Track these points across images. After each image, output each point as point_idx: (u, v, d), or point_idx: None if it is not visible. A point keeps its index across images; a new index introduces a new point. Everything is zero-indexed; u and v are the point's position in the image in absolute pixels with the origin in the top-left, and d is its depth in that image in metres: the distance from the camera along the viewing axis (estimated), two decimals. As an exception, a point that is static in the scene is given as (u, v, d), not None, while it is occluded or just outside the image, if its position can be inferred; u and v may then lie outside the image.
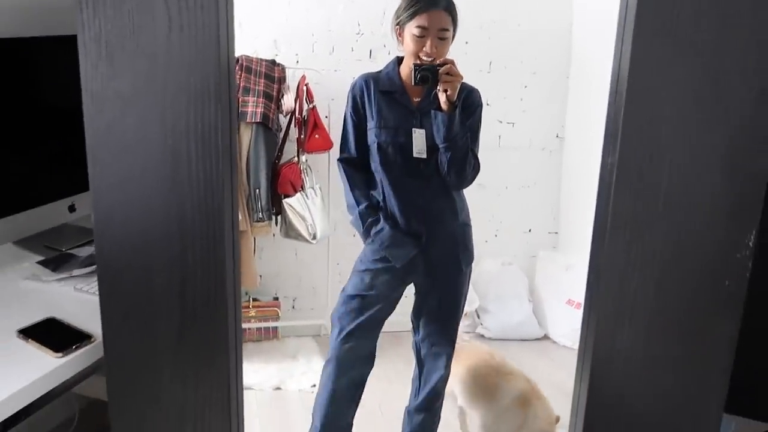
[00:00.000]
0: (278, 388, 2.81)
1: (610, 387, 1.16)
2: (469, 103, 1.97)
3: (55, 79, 1.65)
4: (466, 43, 3.12)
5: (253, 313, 3.13)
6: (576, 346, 1.44)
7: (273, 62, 2.83)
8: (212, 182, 1.05)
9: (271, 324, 3.18)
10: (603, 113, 1.10)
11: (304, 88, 2.81)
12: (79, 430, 1.83)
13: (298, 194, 2.82)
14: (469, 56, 3.15)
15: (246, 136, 2.74)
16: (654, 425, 1.18)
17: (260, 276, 3.16)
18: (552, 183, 3.50)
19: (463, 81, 1.89)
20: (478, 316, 3.37)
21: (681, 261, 1.09)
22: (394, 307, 2.12)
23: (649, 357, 1.14)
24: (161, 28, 0.98)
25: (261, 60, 2.80)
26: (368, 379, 2.11)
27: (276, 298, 3.24)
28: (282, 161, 2.88)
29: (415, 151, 1.96)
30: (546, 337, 3.34)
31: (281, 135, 2.91)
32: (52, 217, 1.71)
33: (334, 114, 3.00)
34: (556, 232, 3.57)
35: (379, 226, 2.01)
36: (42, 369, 1.17)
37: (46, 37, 1.59)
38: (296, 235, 2.84)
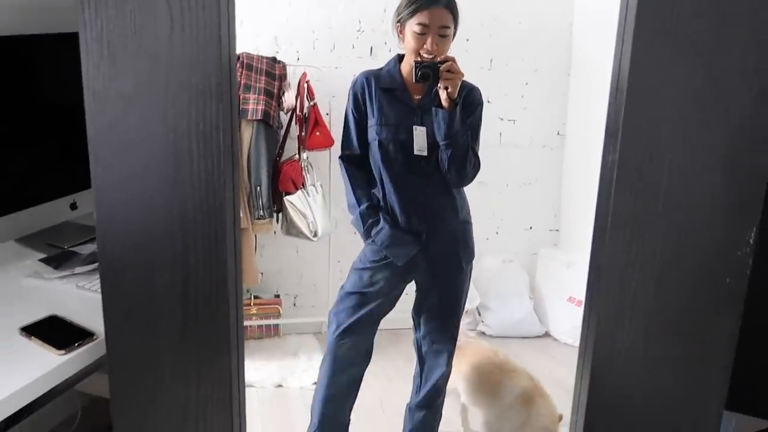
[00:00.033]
0: (280, 386, 2.82)
1: (610, 385, 1.16)
2: (469, 101, 1.97)
3: (56, 76, 1.66)
4: (467, 40, 3.12)
5: (254, 310, 3.14)
6: (577, 343, 1.45)
7: (274, 59, 2.83)
8: (214, 181, 1.05)
9: (272, 321, 3.19)
10: (604, 111, 1.10)
11: (305, 85, 2.81)
12: (82, 428, 1.84)
13: (299, 192, 2.83)
14: (470, 53, 3.14)
15: (247, 133, 2.74)
16: (655, 423, 1.19)
17: (261, 273, 3.17)
18: (553, 180, 3.50)
19: (464, 79, 1.89)
20: (479, 314, 3.37)
21: (681, 259, 1.10)
22: (394, 305, 2.12)
23: (650, 355, 1.14)
24: (163, 28, 0.99)
25: (262, 57, 2.80)
26: (368, 376, 2.11)
27: (277, 296, 3.25)
28: (283, 159, 2.88)
29: (416, 148, 1.96)
30: (547, 335, 3.35)
31: (282, 132, 2.91)
32: (53, 214, 1.72)
33: (335, 111, 3.00)
34: (557, 230, 3.57)
35: (379, 226, 2.02)
36: (45, 366, 1.17)
37: (47, 35, 1.59)
38: (297, 233, 2.84)
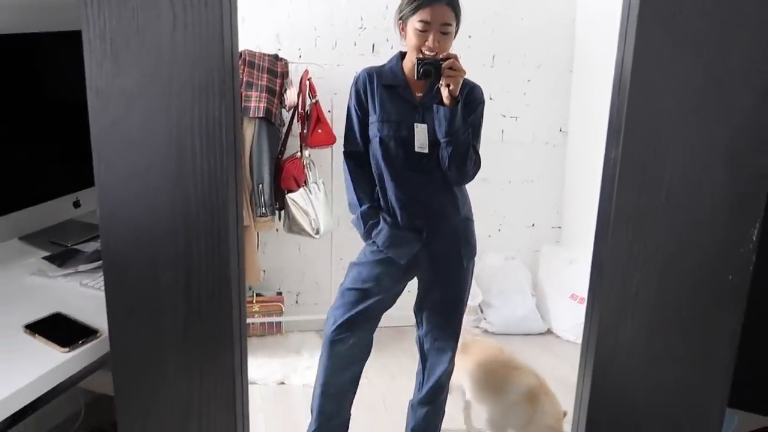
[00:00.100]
0: (282, 383, 2.83)
1: (613, 382, 1.16)
2: (471, 99, 1.97)
3: (60, 75, 1.66)
4: (470, 37, 3.11)
5: (256, 308, 3.14)
6: (579, 340, 1.45)
7: (276, 57, 2.83)
8: (217, 177, 1.05)
9: (274, 319, 3.19)
10: (606, 108, 1.10)
11: (307, 82, 2.81)
12: (85, 425, 1.84)
13: (301, 189, 2.83)
14: (472, 50, 3.14)
15: (249, 131, 2.74)
16: (657, 419, 1.19)
17: (264, 271, 3.17)
18: (555, 177, 3.50)
19: (466, 77, 1.89)
20: (482, 311, 3.37)
21: (684, 255, 1.10)
22: (394, 301, 2.12)
23: (652, 352, 1.14)
24: (166, 25, 0.99)
25: (264, 55, 2.80)
26: (371, 373, 2.12)
27: (279, 293, 3.25)
28: (285, 156, 2.89)
29: (417, 145, 1.96)
30: (549, 332, 3.35)
31: (284, 130, 2.91)
32: (57, 212, 1.72)
33: (337, 108, 3.00)
34: (560, 227, 3.57)
35: (379, 228, 2.02)
36: (49, 364, 1.18)
37: (49, 33, 1.59)
38: (299, 230, 2.84)
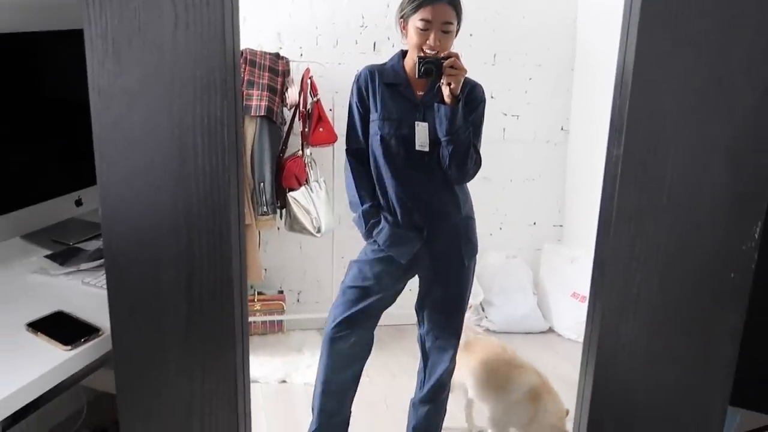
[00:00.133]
0: (284, 381, 2.83)
1: (615, 380, 1.16)
2: (472, 98, 1.97)
3: (62, 74, 1.66)
4: (471, 35, 3.11)
5: (258, 306, 3.15)
6: (581, 338, 1.45)
7: (277, 55, 2.83)
8: (219, 176, 1.05)
9: (276, 317, 3.19)
10: (608, 106, 1.10)
11: (308, 81, 2.81)
12: (87, 424, 1.85)
13: (303, 188, 2.83)
14: (473, 48, 3.14)
15: (250, 129, 2.74)
16: (659, 418, 1.19)
17: (265, 269, 3.17)
18: (557, 176, 3.50)
19: (467, 75, 1.89)
20: (483, 310, 3.38)
21: (686, 254, 1.10)
22: (395, 299, 2.12)
23: (654, 350, 1.14)
24: (167, 24, 0.99)
25: (265, 53, 2.80)
26: (372, 372, 2.12)
27: (281, 292, 3.25)
28: (286, 155, 2.89)
29: (418, 144, 1.96)
30: (551, 330, 3.35)
31: (285, 128, 2.91)
32: (58, 211, 1.72)
33: (338, 107, 3.00)
34: (561, 225, 3.57)
35: (380, 227, 2.02)
36: (51, 362, 1.18)
37: (51, 32, 1.59)
38: (301, 229, 2.84)
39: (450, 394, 2.25)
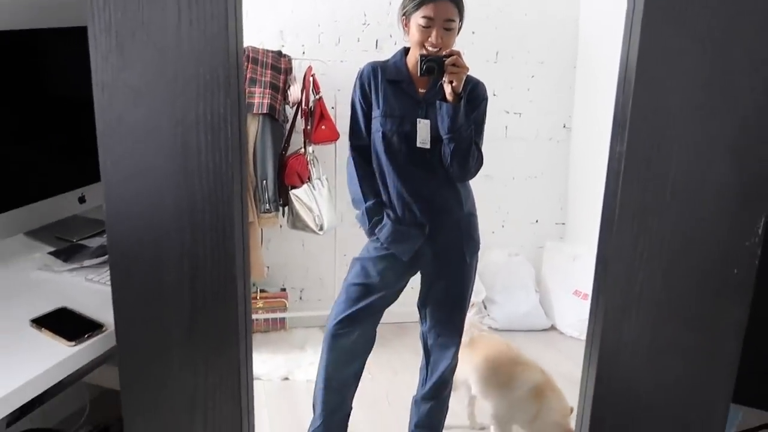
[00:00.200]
0: (286, 379, 2.83)
1: (617, 377, 1.16)
2: (474, 96, 1.97)
3: (65, 70, 1.66)
4: (473, 33, 3.11)
5: (260, 304, 3.15)
6: (583, 336, 1.45)
7: (279, 53, 2.83)
8: (222, 174, 1.06)
9: (278, 315, 3.20)
10: (610, 103, 1.10)
11: (311, 78, 2.81)
12: (91, 420, 1.85)
13: (305, 185, 2.83)
14: (475, 46, 3.14)
15: (253, 127, 2.74)
16: (662, 415, 1.19)
17: (267, 267, 3.18)
18: (559, 173, 3.49)
19: (469, 73, 1.89)
20: (485, 307, 3.38)
21: (689, 250, 1.09)
22: (398, 296, 2.13)
23: (657, 347, 1.14)
24: (171, 20, 0.99)
25: (267, 51, 2.80)
26: (374, 369, 2.12)
27: (283, 289, 3.26)
28: (289, 152, 2.89)
29: (419, 141, 1.96)
30: (553, 328, 3.35)
31: (288, 126, 2.91)
32: (62, 208, 1.72)
33: (340, 105, 3.00)
34: (563, 223, 3.57)
35: (382, 223, 2.02)
36: (55, 357, 1.18)
37: (55, 29, 1.59)
38: (303, 227, 2.85)
39: (453, 392, 2.25)
